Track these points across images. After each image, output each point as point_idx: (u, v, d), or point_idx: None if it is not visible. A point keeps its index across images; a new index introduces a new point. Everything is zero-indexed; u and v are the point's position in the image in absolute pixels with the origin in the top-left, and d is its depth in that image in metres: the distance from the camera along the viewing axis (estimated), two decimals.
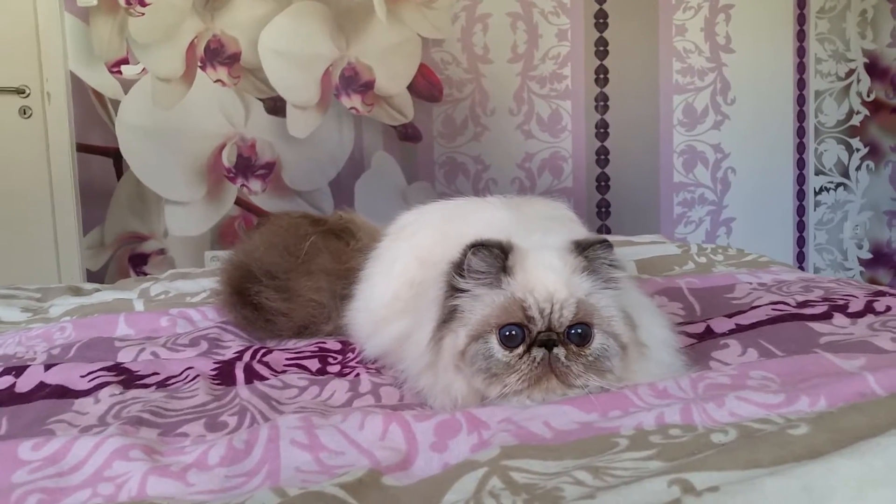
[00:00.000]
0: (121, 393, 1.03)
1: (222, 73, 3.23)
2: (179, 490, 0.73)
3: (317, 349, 1.24)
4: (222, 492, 0.73)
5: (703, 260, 1.78)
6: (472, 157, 3.39)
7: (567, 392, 0.88)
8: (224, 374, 1.11)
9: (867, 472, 0.60)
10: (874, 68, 3.55)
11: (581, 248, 0.94)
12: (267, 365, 1.15)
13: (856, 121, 3.56)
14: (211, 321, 1.43)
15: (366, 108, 3.31)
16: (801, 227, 3.60)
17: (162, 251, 3.28)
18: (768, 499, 0.58)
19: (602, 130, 3.44)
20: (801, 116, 3.54)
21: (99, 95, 3.18)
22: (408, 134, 3.35)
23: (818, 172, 3.58)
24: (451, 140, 3.38)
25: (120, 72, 3.18)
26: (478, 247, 0.91)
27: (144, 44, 3.19)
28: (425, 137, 3.36)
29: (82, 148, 3.19)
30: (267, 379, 1.09)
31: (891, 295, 1.27)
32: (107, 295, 1.72)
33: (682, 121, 3.48)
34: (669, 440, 0.74)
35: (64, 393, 1.04)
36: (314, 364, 1.17)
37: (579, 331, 0.89)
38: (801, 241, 3.61)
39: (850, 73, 3.55)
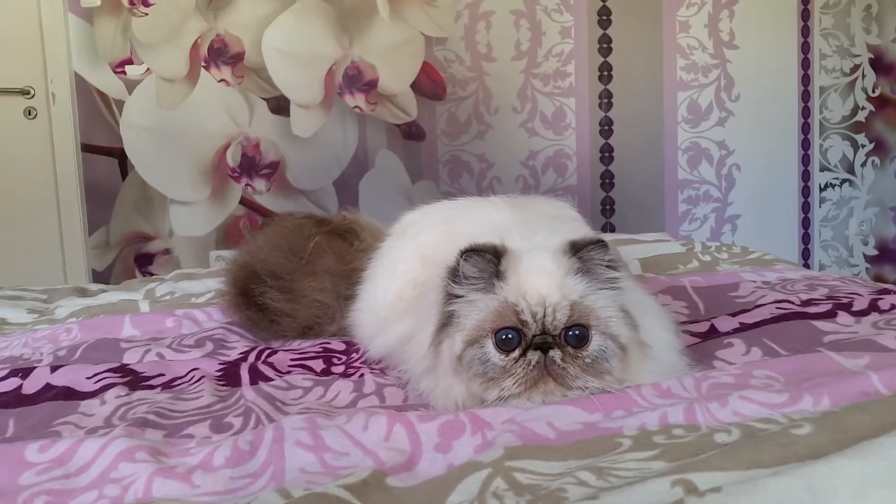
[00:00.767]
0: (126, 394, 1.04)
1: (226, 72, 3.23)
2: (185, 491, 0.74)
3: (321, 350, 1.25)
4: (227, 493, 0.74)
5: (707, 258, 1.77)
6: (475, 156, 3.39)
7: (566, 394, 0.88)
8: (229, 375, 1.11)
9: (870, 472, 0.60)
10: (879, 64, 3.52)
11: (576, 248, 0.93)
12: (272, 366, 1.16)
13: (861, 116, 3.54)
14: (216, 322, 1.43)
15: (369, 107, 3.31)
16: (806, 223, 3.58)
17: (167, 251, 3.29)
18: (771, 499, 0.58)
19: (606, 128, 3.43)
20: (805, 112, 3.52)
21: (103, 96, 3.19)
22: (411, 132, 3.35)
23: (823, 169, 3.56)
24: (454, 138, 3.37)
25: (124, 72, 3.19)
26: (469, 252, 0.91)
27: (148, 44, 3.19)
28: (429, 136, 3.35)
29: (87, 148, 3.20)
30: (272, 380, 1.09)
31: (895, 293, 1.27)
32: (112, 296, 1.73)
33: (686, 117, 3.47)
34: (673, 440, 0.74)
35: (70, 394, 1.05)
36: (319, 365, 1.17)
37: (576, 333, 0.88)
38: (806, 238, 3.59)
39: (855, 68, 3.52)
